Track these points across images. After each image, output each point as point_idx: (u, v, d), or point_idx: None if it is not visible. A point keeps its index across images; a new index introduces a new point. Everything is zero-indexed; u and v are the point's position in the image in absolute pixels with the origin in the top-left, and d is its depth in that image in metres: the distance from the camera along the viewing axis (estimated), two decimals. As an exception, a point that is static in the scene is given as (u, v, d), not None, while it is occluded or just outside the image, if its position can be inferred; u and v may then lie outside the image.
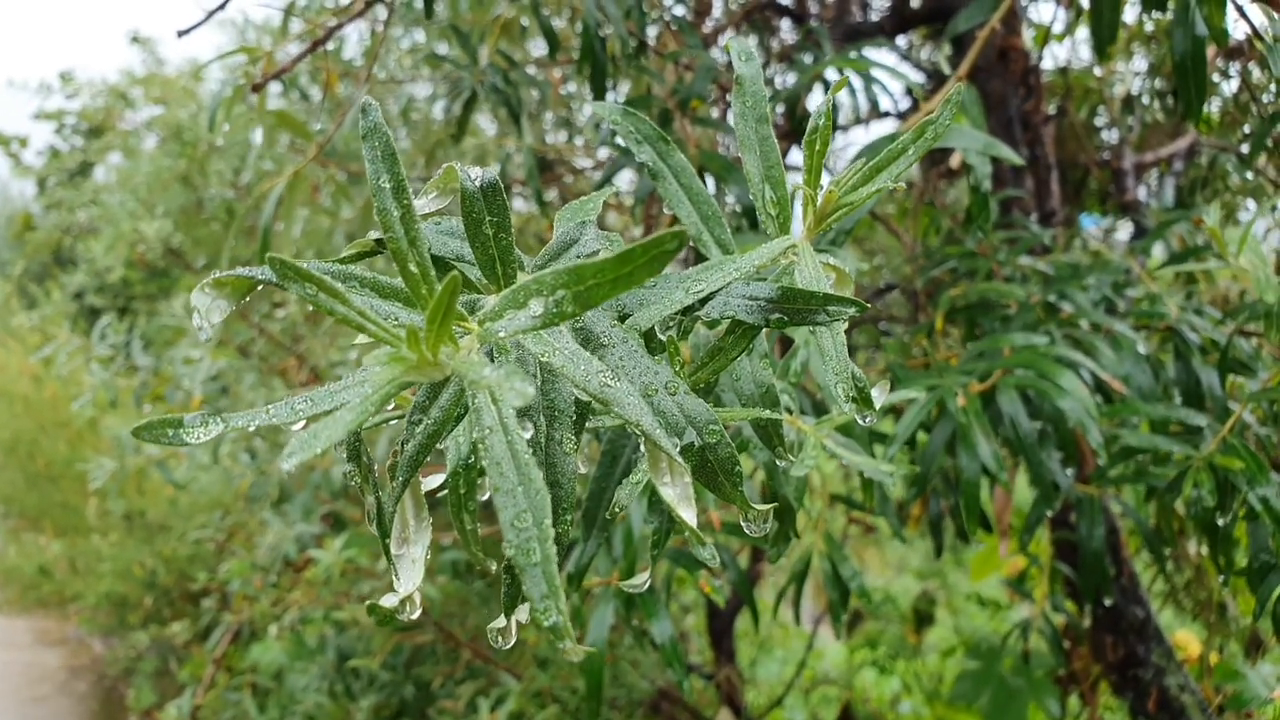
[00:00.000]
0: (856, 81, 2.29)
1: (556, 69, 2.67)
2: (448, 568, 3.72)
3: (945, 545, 2.28)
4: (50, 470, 7.19)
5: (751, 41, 3.31)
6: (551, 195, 3.31)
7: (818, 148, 0.80)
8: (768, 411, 0.82)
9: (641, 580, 0.96)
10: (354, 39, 3.49)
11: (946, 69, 2.09)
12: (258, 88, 1.68)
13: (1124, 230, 3.63)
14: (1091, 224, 3.56)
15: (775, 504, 0.70)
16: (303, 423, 0.52)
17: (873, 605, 5.27)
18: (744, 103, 0.90)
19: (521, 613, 0.66)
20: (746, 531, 0.69)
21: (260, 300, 4.81)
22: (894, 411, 2.08)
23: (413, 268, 0.51)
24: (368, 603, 0.56)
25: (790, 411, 1.23)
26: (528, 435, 0.52)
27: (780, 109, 2.57)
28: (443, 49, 3.21)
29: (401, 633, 3.64)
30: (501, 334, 0.52)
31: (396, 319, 0.56)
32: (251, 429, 0.51)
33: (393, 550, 0.58)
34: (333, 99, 3.20)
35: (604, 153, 2.99)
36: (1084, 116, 3.38)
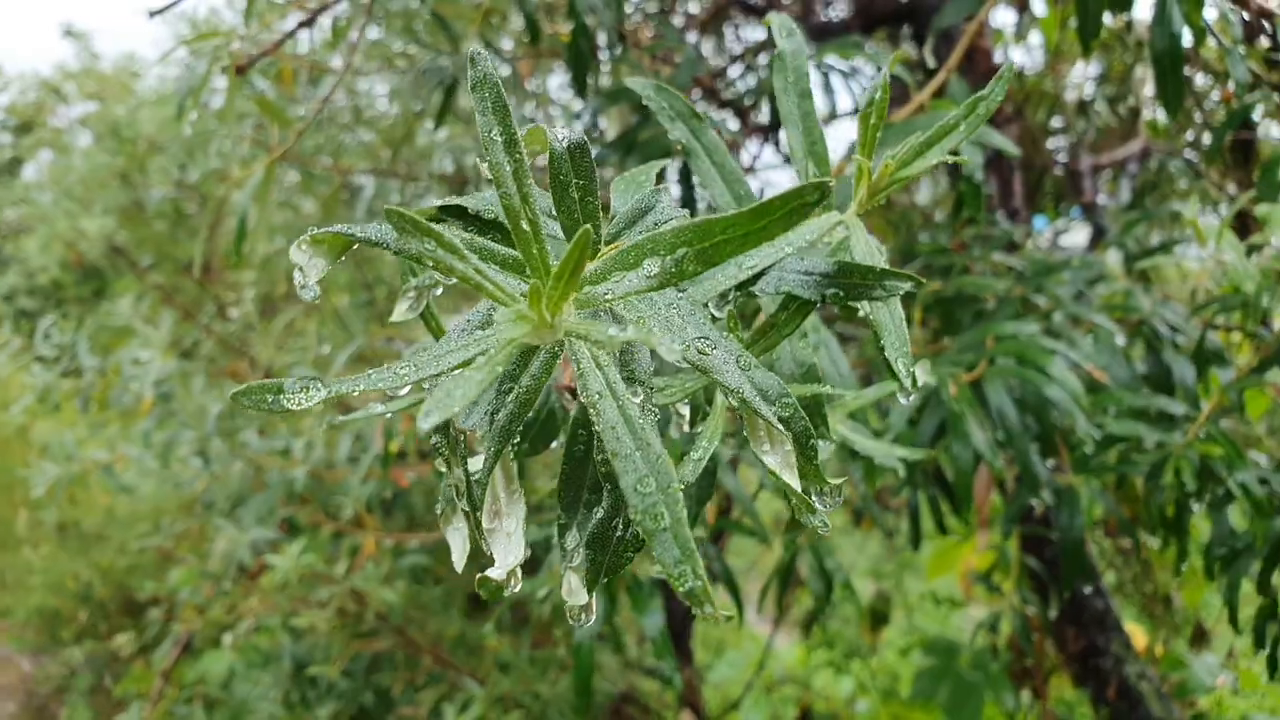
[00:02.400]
0: (839, 81, 2.30)
1: (525, 61, 2.64)
2: (406, 573, 3.65)
3: (892, 549, 2.30)
4: (4, 477, 6.91)
5: (707, 47, 3.31)
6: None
7: (873, 121, 0.80)
8: (815, 387, 0.82)
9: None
10: (304, 34, 3.41)
11: (931, 61, 2.10)
12: (242, 69, 1.63)
13: (1075, 234, 3.71)
14: (1044, 226, 3.64)
15: (845, 479, 0.69)
16: (407, 388, 0.49)
17: (833, 605, 5.31)
18: (786, 78, 0.89)
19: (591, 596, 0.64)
20: (818, 506, 0.68)
21: (207, 301, 4.69)
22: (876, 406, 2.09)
23: (524, 225, 0.49)
24: (479, 576, 0.54)
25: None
26: (637, 401, 0.50)
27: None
28: (397, 46, 3.16)
29: (360, 639, 3.56)
30: (608, 295, 0.51)
31: (493, 279, 0.54)
32: (356, 393, 0.49)
33: (485, 524, 0.56)
34: (286, 95, 3.13)
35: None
36: (1040, 119, 3.45)
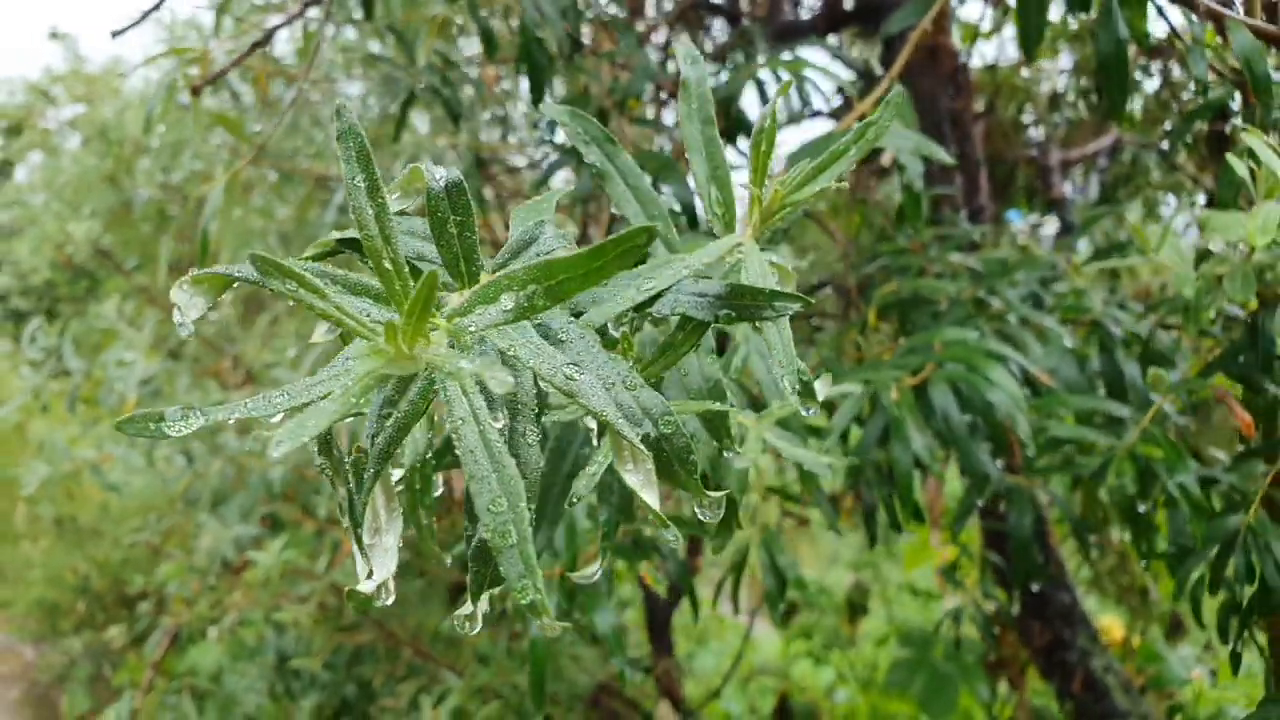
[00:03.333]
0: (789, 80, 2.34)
1: (491, 67, 2.68)
2: (388, 567, 3.69)
3: (878, 536, 2.34)
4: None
5: (686, 40, 3.35)
6: (488, 194, 3.32)
7: (763, 148, 0.84)
8: (716, 405, 0.86)
9: (592, 571, 0.99)
10: (283, 36, 3.46)
11: (879, 69, 2.15)
12: (196, 90, 1.67)
13: (1050, 226, 3.75)
14: (1018, 219, 3.68)
15: (727, 491, 0.73)
16: (280, 415, 0.54)
17: (808, 596, 5.37)
18: (690, 105, 0.93)
19: (483, 604, 0.69)
20: (700, 518, 0.73)
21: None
22: (829, 407, 2.14)
23: (387, 264, 0.53)
24: (347, 589, 0.58)
25: (733, 405, 1.27)
26: (499, 425, 0.55)
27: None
28: (375, 47, 3.20)
29: (342, 632, 3.62)
30: (472, 328, 0.55)
31: (369, 314, 0.58)
32: (231, 421, 0.53)
33: (365, 540, 0.60)
34: (262, 99, 3.17)
35: (539, 152, 3.01)
36: (1012, 114, 3.48)
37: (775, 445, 1.24)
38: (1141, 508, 1.88)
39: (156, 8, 1.70)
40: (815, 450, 2.07)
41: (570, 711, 4.08)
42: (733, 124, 2.46)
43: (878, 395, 1.72)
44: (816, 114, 2.84)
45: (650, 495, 0.61)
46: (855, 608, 5.10)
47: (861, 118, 1.69)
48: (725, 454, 0.91)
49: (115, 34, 1.68)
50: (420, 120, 3.56)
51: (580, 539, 1.79)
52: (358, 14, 2.28)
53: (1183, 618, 4.19)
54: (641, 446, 0.60)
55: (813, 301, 0.83)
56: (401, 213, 0.70)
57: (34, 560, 6.16)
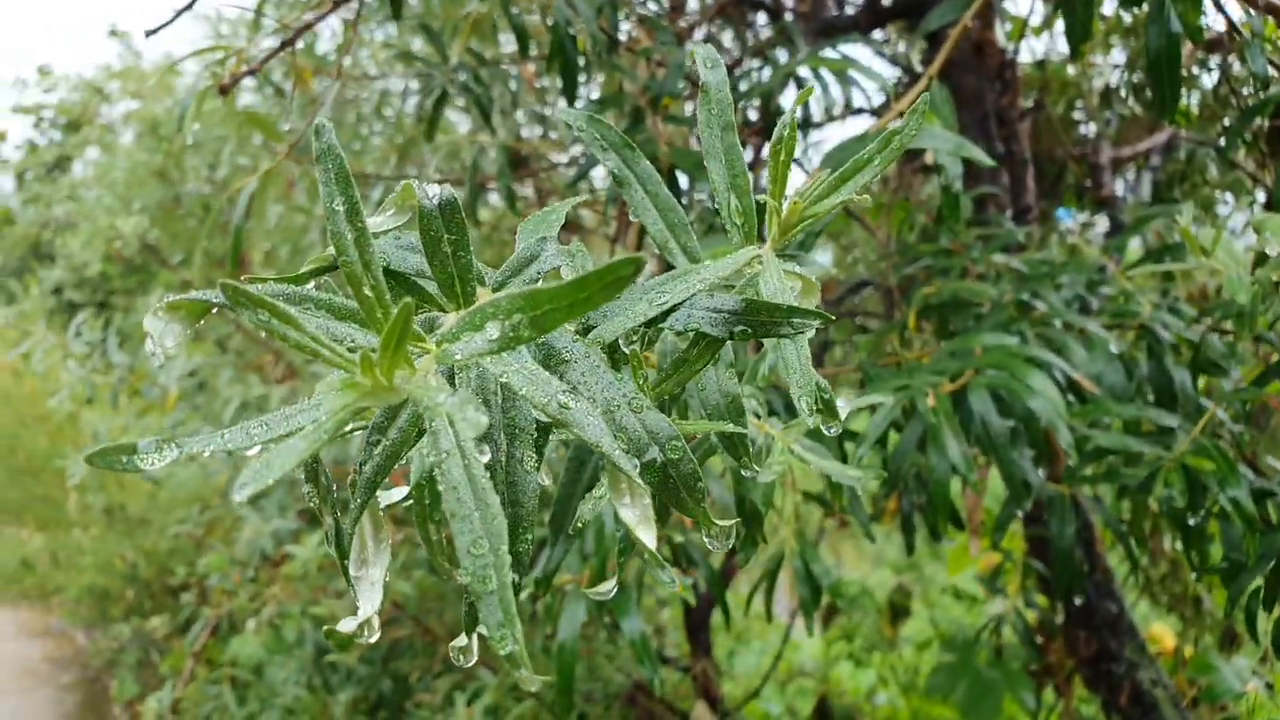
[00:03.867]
0: (830, 77, 2.29)
1: (530, 64, 2.66)
2: (424, 563, 3.72)
3: (917, 542, 2.30)
4: (31, 465, 7.13)
5: (726, 37, 3.31)
6: (527, 191, 3.31)
7: (782, 158, 0.81)
8: (732, 424, 0.83)
9: (608, 587, 0.96)
10: (327, 34, 3.48)
11: (919, 66, 2.09)
12: (225, 90, 1.66)
13: (1100, 225, 3.65)
14: (1068, 217, 3.58)
15: (738, 520, 0.70)
16: (258, 448, 0.52)
17: (847, 600, 5.30)
18: (709, 110, 0.90)
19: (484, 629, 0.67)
20: (709, 547, 0.69)
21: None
22: (872, 409, 2.09)
23: (368, 291, 0.51)
24: (325, 628, 0.56)
25: (759, 416, 1.23)
26: (485, 459, 0.52)
27: (756, 103, 2.57)
28: (417, 44, 3.19)
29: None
30: (458, 356, 0.52)
31: (353, 340, 0.56)
32: (207, 453, 0.51)
33: (352, 572, 0.58)
34: (305, 95, 3.18)
35: (578, 148, 2.98)
36: (1061, 110, 3.39)
37: (803, 456, 1.21)
38: (1192, 521, 1.81)
39: (188, 7, 1.70)
40: (850, 455, 2.02)
41: (607, 710, 4.07)
42: (772, 122, 2.41)
43: (914, 401, 1.67)
44: (859, 111, 2.78)
45: (647, 533, 0.58)
46: (897, 610, 5.02)
47: (900, 116, 1.64)
48: (744, 473, 0.88)
49: (149, 33, 1.68)
50: (462, 118, 3.56)
51: (609, 543, 1.77)
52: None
53: (1237, 629, 4.07)
54: (639, 480, 0.57)
55: (832, 319, 0.79)
56: (398, 230, 0.67)
57: (85, 548, 6.28)
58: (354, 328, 0.56)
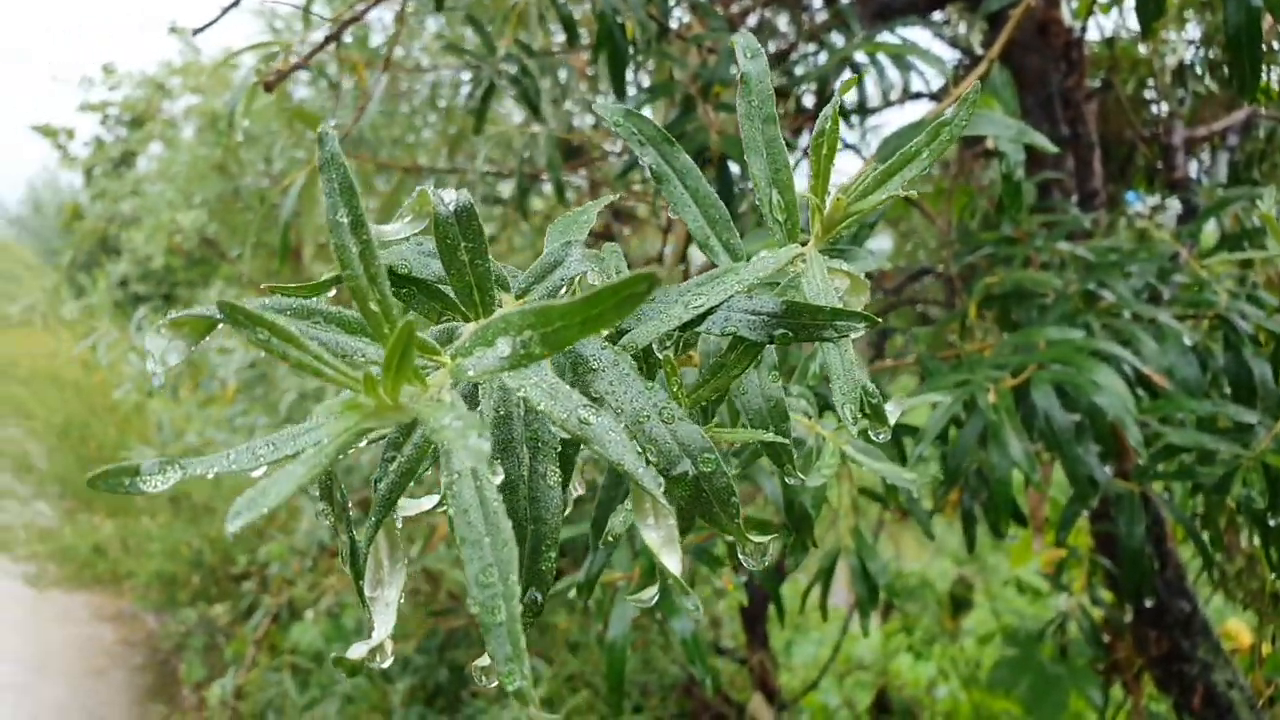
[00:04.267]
0: (888, 61, 2.23)
1: (583, 53, 2.62)
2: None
3: (979, 533, 2.23)
4: (100, 453, 7.32)
5: (780, 20, 3.24)
6: (581, 181, 3.28)
7: (824, 152, 0.76)
8: (772, 433, 0.79)
9: (650, 594, 0.93)
10: (379, 27, 3.48)
11: (980, 48, 2.02)
12: (270, 86, 1.66)
13: (1173, 208, 3.51)
14: (1136, 201, 3.46)
15: (774, 535, 0.66)
16: (264, 469, 0.49)
17: (906, 592, 5.21)
18: (750, 102, 0.86)
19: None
20: (745, 565, 0.66)
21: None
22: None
23: (374, 306, 0.48)
24: (333, 655, 0.54)
25: (809, 415, 1.19)
26: (498, 480, 0.49)
27: (812, 89, 2.51)
28: (469, 35, 3.18)
29: (435, 617, 3.65)
30: (470, 373, 0.49)
31: (364, 355, 0.53)
32: (211, 475, 0.49)
33: (366, 593, 0.56)
34: (361, 88, 3.18)
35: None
36: (1131, 90, 3.27)
37: (855, 459, 1.16)
38: (1273, 521, 1.73)
39: (235, 4, 1.70)
40: (909, 452, 1.97)
41: (662, 701, 4.05)
42: (818, 106, 2.35)
43: (974, 397, 1.61)
44: (918, 96, 2.70)
45: (671, 557, 0.55)
46: (958, 602, 4.93)
47: (960, 100, 1.58)
48: (789, 480, 0.84)
49: (196, 31, 1.68)
50: (517, 110, 3.54)
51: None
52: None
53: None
54: (663, 499, 0.54)
55: (879, 321, 0.75)
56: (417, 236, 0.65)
57: (153, 534, 6.42)
58: (365, 341, 0.54)
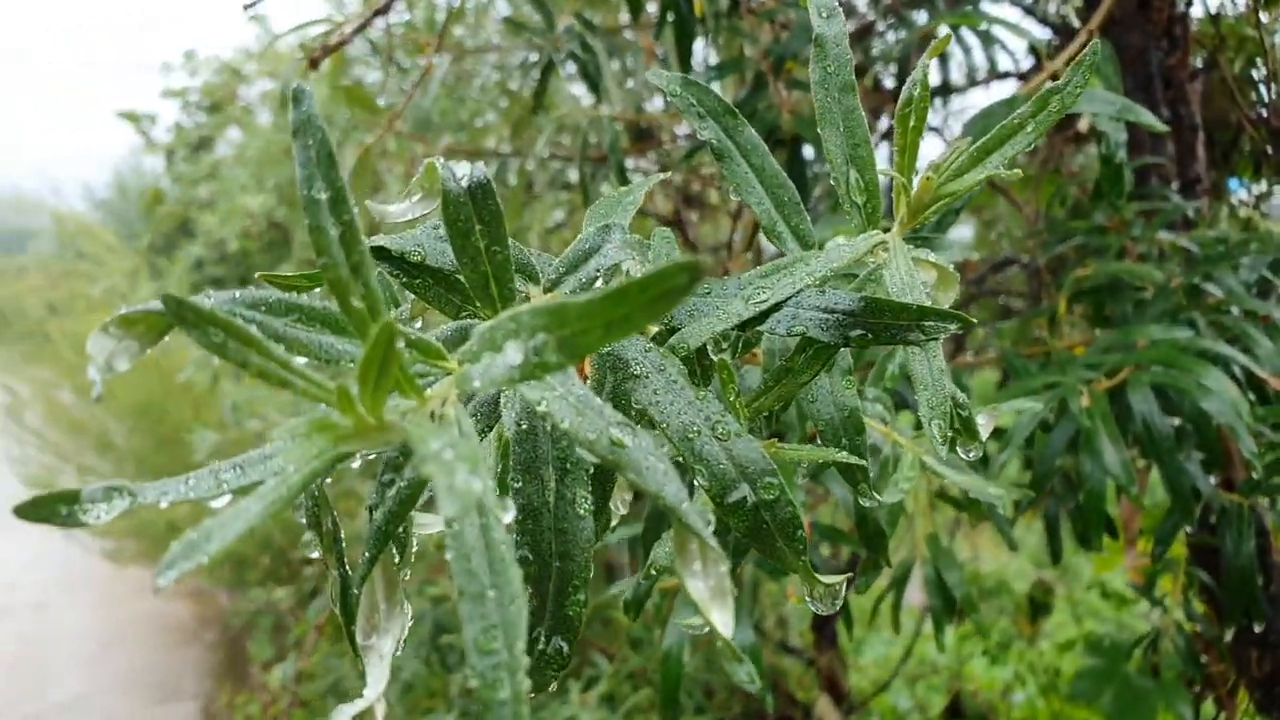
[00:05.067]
0: (973, 37, 2.09)
1: (644, 30, 2.52)
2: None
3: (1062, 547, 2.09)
4: (176, 433, 7.43)
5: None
6: (651, 166, 3.18)
7: (912, 123, 0.66)
8: (846, 449, 0.69)
9: (701, 623, 0.83)
10: (445, 7, 3.41)
11: (1076, 21, 1.87)
12: (314, 64, 1.59)
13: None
14: (1240, 187, 3.25)
15: (847, 575, 0.56)
16: (227, 498, 0.41)
17: (978, 600, 5.03)
18: (825, 68, 0.75)
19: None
20: (811, 609, 0.56)
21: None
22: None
23: (357, 301, 0.39)
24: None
25: (886, 421, 1.08)
26: (508, 518, 0.40)
27: (892, 70, 2.38)
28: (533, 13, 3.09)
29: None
30: (476, 384, 0.40)
31: (353, 360, 0.45)
32: (164, 505, 0.40)
33: (359, 640, 0.47)
34: (426, 69, 3.12)
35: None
36: (1237, 70, 3.06)
37: (936, 470, 1.05)
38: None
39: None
40: (991, 458, 1.84)
41: (727, 700, 3.96)
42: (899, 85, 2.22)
43: (1065, 401, 1.48)
44: (1004, 75, 2.55)
45: (721, 612, 0.45)
46: (1037, 606, 4.74)
47: (1053, 78, 1.45)
48: (864, 502, 0.74)
49: (247, 7, 1.63)
50: (587, 92, 3.44)
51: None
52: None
53: None
54: (713, 542, 0.44)
55: (974, 322, 0.64)
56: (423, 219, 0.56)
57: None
58: (356, 344, 0.45)
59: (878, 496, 0.74)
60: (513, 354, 0.38)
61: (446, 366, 0.44)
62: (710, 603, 0.45)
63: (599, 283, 0.56)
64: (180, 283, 6.23)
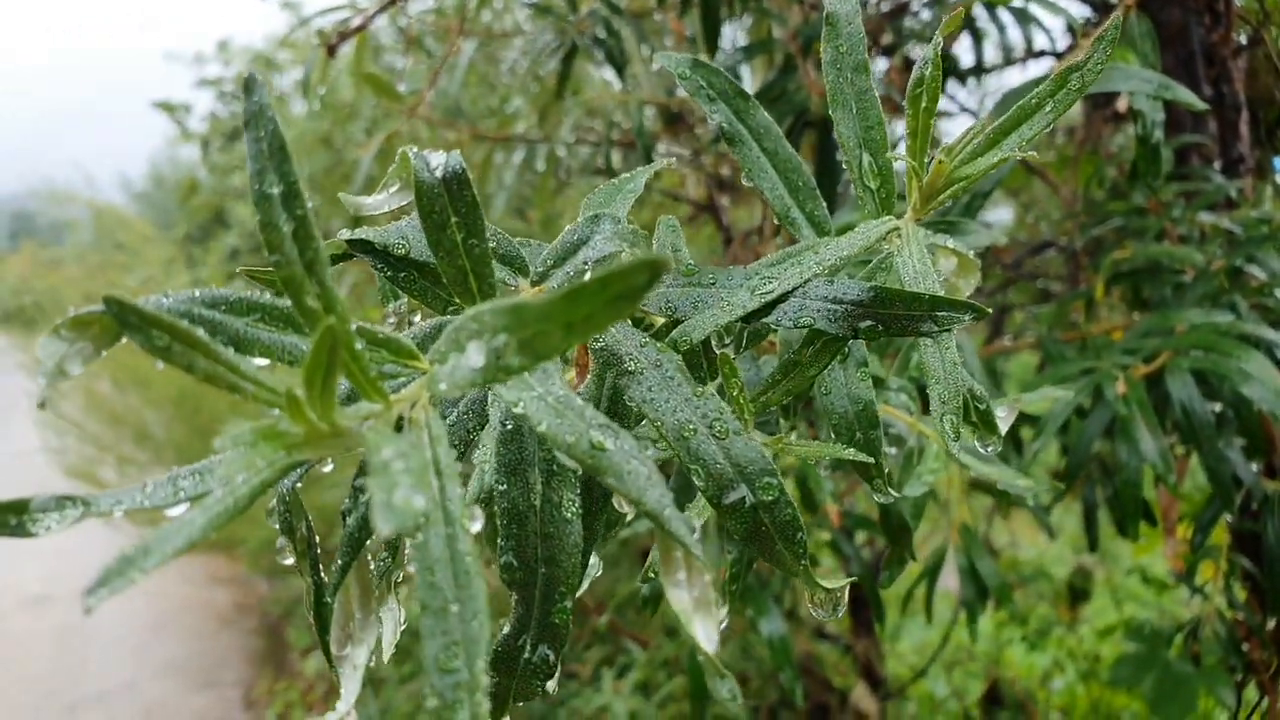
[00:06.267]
0: (1008, 16, 2.04)
1: (673, 13, 2.48)
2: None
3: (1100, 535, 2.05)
4: (212, 424, 7.52)
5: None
6: (683, 151, 3.14)
7: (924, 104, 0.62)
8: (859, 445, 0.66)
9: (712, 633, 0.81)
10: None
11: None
12: (332, 50, 1.58)
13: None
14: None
15: (851, 579, 0.54)
16: (184, 506, 0.39)
17: (1008, 595, 4.96)
18: (837, 47, 0.72)
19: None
20: (814, 615, 0.53)
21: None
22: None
23: (312, 301, 0.37)
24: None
25: (910, 411, 1.05)
26: (476, 527, 0.38)
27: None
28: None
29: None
30: (442, 387, 0.38)
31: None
32: (118, 515, 0.39)
33: (333, 651, 0.45)
34: (451, 54, 3.10)
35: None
36: (1281, 46, 2.96)
37: (963, 461, 1.02)
38: None
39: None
40: (1025, 444, 1.79)
41: (762, 687, 3.93)
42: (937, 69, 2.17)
43: (1101, 387, 1.44)
44: (1040, 54, 2.48)
45: (705, 627, 0.43)
46: (1077, 592, 4.66)
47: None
48: (878, 498, 0.71)
49: (265, -4, 1.61)
50: (613, 75, 3.40)
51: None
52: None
53: None
54: (698, 551, 0.42)
55: (989, 312, 0.61)
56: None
57: (261, 501, 6.57)
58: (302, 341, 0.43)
59: (893, 492, 0.71)
60: (475, 356, 0.36)
61: (419, 367, 0.42)
62: (693, 615, 0.43)
63: (587, 275, 0.54)
64: (215, 272, 6.28)
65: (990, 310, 0.60)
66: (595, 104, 2.36)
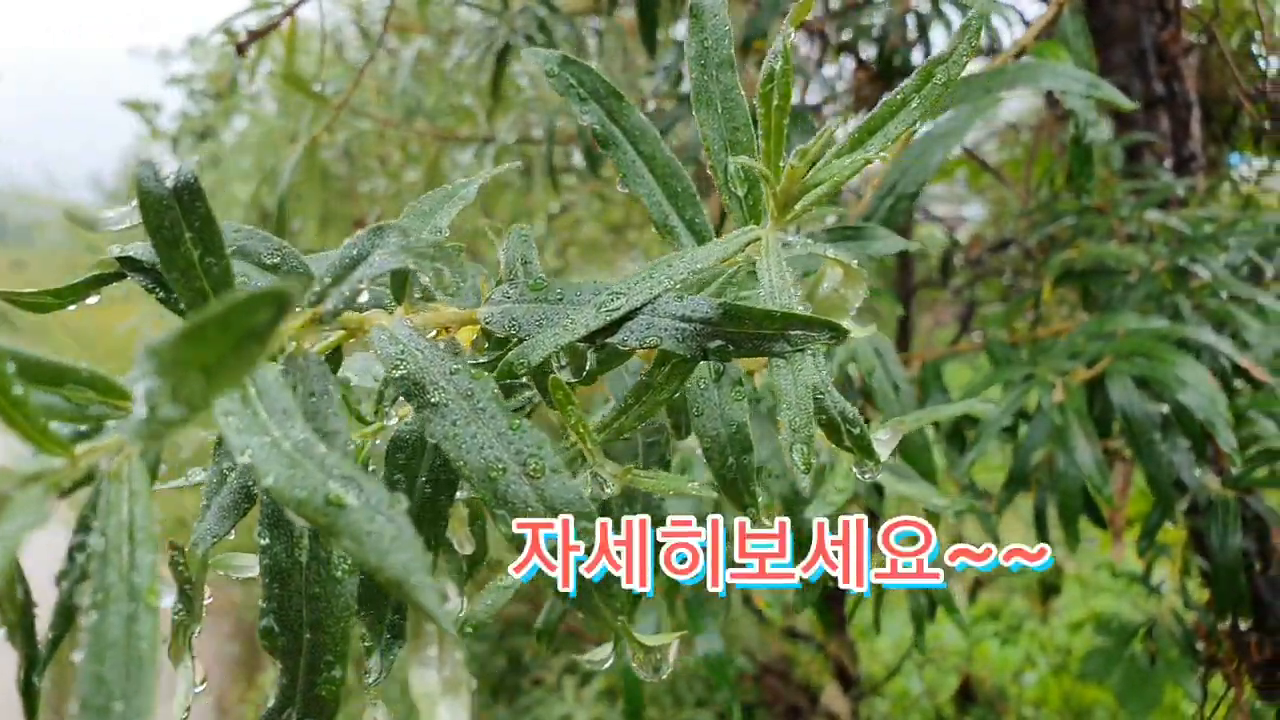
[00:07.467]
0: (955, 13, 1.99)
1: (629, 9, 2.43)
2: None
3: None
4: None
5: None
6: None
7: (775, 103, 0.57)
8: (717, 479, 0.61)
9: (603, 657, 0.76)
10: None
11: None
12: (241, 49, 1.52)
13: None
14: (1240, 162, 3.13)
15: (677, 636, 0.48)
16: None
17: (952, 606, 4.95)
18: (702, 41, 0.67)
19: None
20: (638, 675, 0.48)
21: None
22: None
23: None
24: None
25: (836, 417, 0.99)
26: (167, 602, 0.32)
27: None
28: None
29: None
30: (125, 436, 0.33)
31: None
32: None
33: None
34: (424, 54, 3.02)
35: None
36: (1236, 44, 2.93)
37: (878, 481, 0.97)
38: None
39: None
40: (969, 449, 1.74)
41: (734, 689, 3.89)
42: (889, 66, 2.12)
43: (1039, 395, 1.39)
44: (993, 52, 2.43)
45: (453, 712, 0.37)
46: (1048, 587, 4.64)
47: (1020, 53, 1.35)
48: (753, 527, 0.66)
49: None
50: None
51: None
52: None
53: None
54: (450, 627, 0.36)
55: (847, 332, 0.56)
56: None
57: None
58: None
59: (766, 521, 0.65)
60: (139, 405, 0.30)
61: (128, 408, 0.36)
62: (440, 698, 0.37)
63: (364, 297, 0.48)
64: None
65: (848, 330, 0.55)
66: (537, 103, 2.30)
